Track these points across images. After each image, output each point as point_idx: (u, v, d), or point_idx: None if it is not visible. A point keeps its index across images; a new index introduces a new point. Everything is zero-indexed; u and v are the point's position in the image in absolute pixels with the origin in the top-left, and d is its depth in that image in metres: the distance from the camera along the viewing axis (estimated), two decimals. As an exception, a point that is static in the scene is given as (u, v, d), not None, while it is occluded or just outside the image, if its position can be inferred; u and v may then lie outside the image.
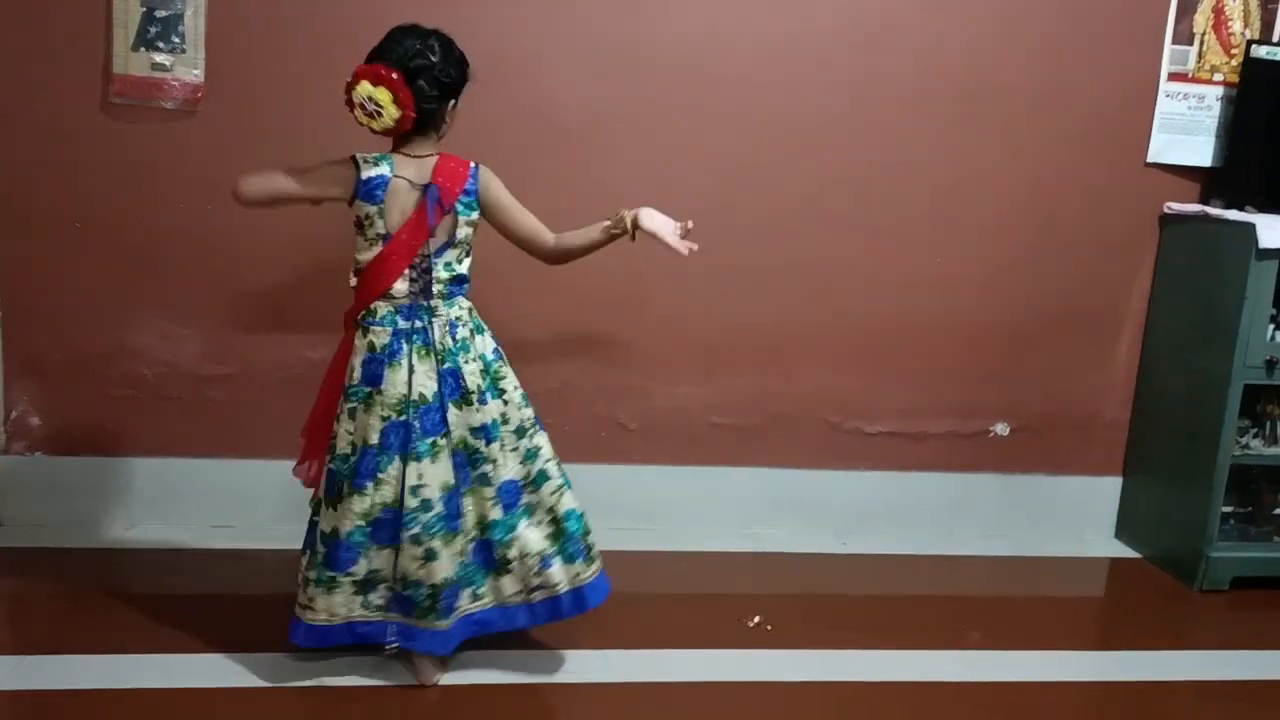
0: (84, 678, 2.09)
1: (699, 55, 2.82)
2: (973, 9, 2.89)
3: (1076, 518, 3.23)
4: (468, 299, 2.17)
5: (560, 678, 2.23)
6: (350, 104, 2.03)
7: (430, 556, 2.06)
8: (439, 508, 2.07)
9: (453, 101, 2.11)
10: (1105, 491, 3.23)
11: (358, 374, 2.09)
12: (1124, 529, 3.22)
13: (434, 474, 2.07)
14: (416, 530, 2.05)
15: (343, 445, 2.10)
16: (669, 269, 2.89)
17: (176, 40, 2.61)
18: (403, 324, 2.08)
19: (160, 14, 2.59)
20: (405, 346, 2.07)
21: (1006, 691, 2.30)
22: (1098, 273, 3.11)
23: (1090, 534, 3.23)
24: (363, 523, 2.07)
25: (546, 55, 2.76)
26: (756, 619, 2.52)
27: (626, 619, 2.47)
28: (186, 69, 2.62)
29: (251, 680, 2.12)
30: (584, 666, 2.27)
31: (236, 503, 2.84)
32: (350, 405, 2.09)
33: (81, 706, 2.00)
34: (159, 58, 2.60)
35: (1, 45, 2.58)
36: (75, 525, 2.77)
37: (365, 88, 1.99)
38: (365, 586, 2.11)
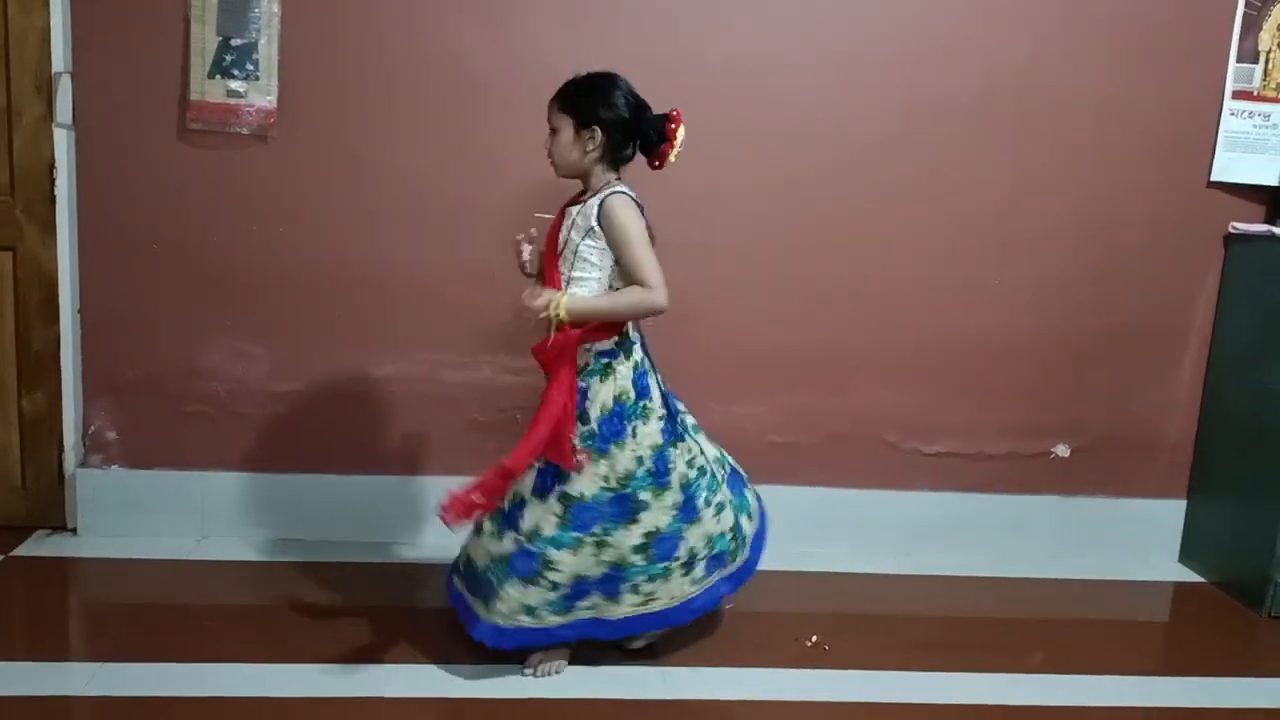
0: (158, 685, 2.15)
1: (754, 74, 2.84)
2: (1029, 25, 2.89)
3: (1139, 540, 3.19)
4: None
5: (620, 694, 2.25)
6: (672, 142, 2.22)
7: (720, 509, 2.33)
8: (708, 469, 2.34)
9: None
10: (1169, 514, 3.19)
11: (632, 393, 2.22)
12: (1188, 552, 3.17)
13: (698, 444, 2.36)
14: (705, 495, 2.29)
15: (627, 464, 2.20)
16: (725, 288, 2.93)
17: (250, 68, 2.69)
18: (635, 335, 2.31)
19: (236, 43, 2.68)
20: (645, 355, 2.31)
21: (1068, 715, 2.28)
22: (1161, 291, 3.08)
23: (1154, 557, 3.19)
24: (676, 511, 2.25)
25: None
26: (814, 638, 2.53)
27: (686, 636, 2.49)
28: (260, 95, 2.70)
29: (321, 690, 2.17)
30: (644, 683, 2.29)
31: (304, 516, 2.91)
32: (632, 424, 2.21)
33: (156, 713, 2.06)
34: (234, 84, 2.69)
35: (86, 74, 2.69)
36: (149, 536, 2.86)
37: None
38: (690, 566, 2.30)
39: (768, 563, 2.93)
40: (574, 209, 2.24)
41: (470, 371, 2.88)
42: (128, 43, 2.68)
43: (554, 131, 2.23)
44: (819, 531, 3.06)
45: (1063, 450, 3.13)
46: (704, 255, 2.90)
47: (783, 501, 3.04)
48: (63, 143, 2.72)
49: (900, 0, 2.85)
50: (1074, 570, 3.06)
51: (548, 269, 2.24)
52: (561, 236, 2.24)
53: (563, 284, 2.20)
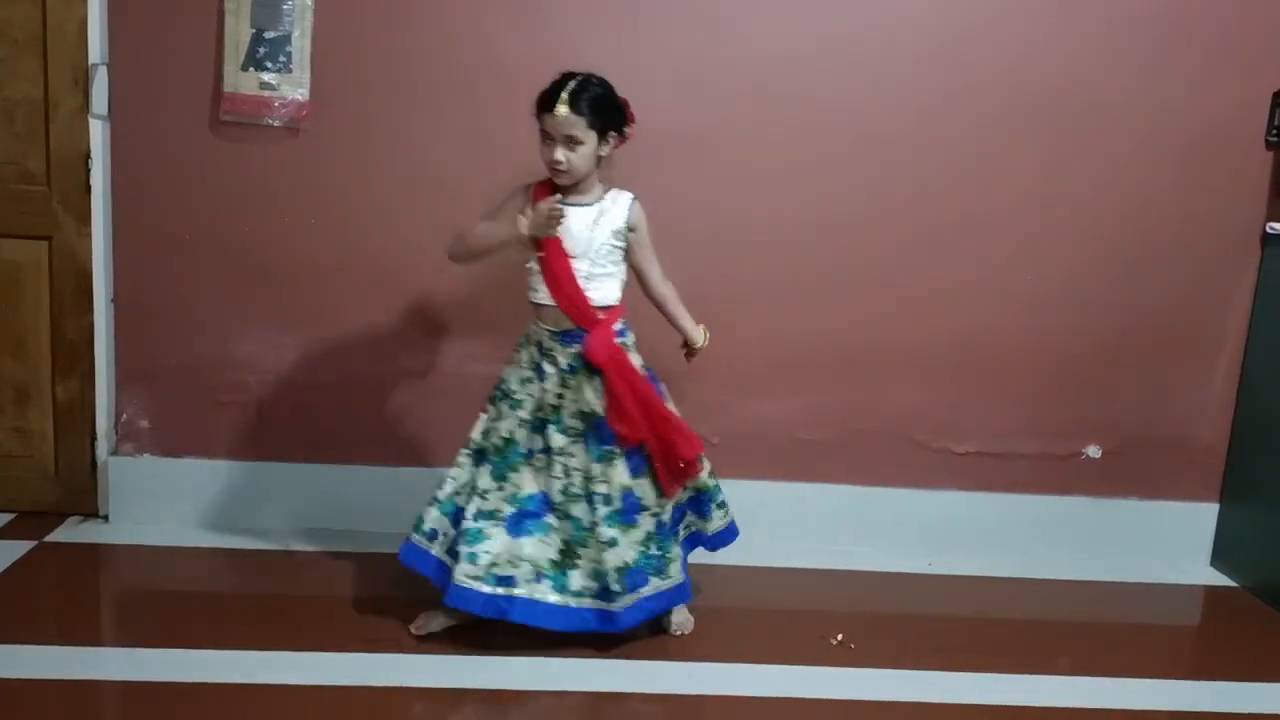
0: (186, 671, 2.16)
1: (788, 70, 2.83)
2: (1065, 23, 2.85)
3: (1171, 544, 3.15)
4: None
5: (644, 689, 2.25)
6: None
7: None
8: None
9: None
10: (1201, 517, 3.15)
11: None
12: (1221, 556, 3.13)
13: None
14: None
15: None
16: (754, 285, 2.92)
17: (283, 60, 2.71)
18: None
19: (269, 35, 2.69)
20: None
21: (1096, 718, 2.26)
22: (1196, 292, 3.03)
23: (1185, 561, 3.15)
24: None
25: (631, 79, 2.79)
26: (840, 637, 2.51)
27: (710, 633, 2.48)
28: (292, 88, 2.72)
29: (349, 679, 2.18)
30: (668, 679, 2.29)
31: (333, 506, 2.93)
32: None
33: (183, 698, 2.08)
34: (266, 77, 2.71)
35: (122, 66, 2.71)
36: (179, 524, 2.89)
37: None
38: None
39: (795, 559, 2.94)
40: (584, 208, 2.26)
41: (499, 365, 2.88)
42: (163, 35, 2.70)
43: (575, 142, 2.18)
44: (847, 530, 3.05)
45: (1094, 451, 3.10)
46: (734, 252, 2.90)
47: (810, 500, 3.04)
48: (98, 134, 2.75)
49: (934, -4, 2.83)
50: (1104, 572, 3.03)
51: (556, 259, 2.24)
52: (582, 234, 2.25)
53: (581, 280, 2.25)
